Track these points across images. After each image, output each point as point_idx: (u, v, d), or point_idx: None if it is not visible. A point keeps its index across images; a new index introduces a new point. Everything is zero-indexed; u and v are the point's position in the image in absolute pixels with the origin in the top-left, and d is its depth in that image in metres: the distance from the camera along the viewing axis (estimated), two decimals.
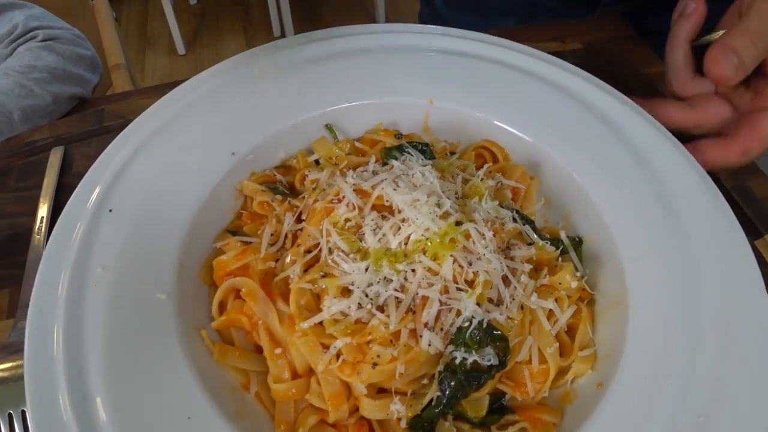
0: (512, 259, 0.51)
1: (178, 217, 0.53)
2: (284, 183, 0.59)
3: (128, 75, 1.30)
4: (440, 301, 0.45)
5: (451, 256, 0.46)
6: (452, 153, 0.62)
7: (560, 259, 0.54)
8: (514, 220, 0.54)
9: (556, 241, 0.56)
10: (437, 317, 0.45)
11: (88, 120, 0.73)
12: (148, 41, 3.03)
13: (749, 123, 0.58)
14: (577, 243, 0.57)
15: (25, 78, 0.86)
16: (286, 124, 0.62)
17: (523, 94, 0.64)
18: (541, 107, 0.63)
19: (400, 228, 0.48)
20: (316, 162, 0.61)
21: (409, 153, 0.56)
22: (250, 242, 0.53)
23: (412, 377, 0.45)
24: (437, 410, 0.44)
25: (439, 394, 0.43)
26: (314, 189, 0.54)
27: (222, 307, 0.51)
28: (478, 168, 0.61)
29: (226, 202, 0.58)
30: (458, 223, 0.48)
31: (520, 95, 0.64)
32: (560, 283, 0.51)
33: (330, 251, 0.48)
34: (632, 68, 0.81)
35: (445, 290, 0.46)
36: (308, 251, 0.50)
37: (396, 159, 0.55)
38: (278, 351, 0.47)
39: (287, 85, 0.64)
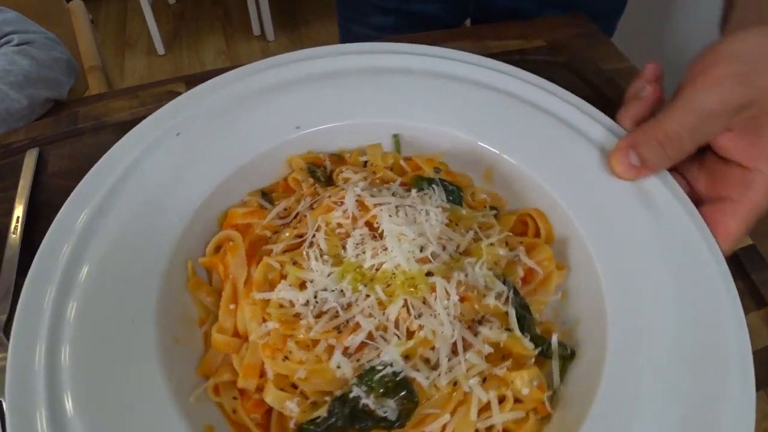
0: (476, 334, 0.48)
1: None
2: (327, 171, 0.62)
3: (104, 77, 1.27)
4: (370, 334, 0.45)
5: (405, 299, 0.46)
6: (492, 208, 0.60)
7: (534, 360, 0.50)
8: (507, 300, 0.51)
9: (544, 343, 0.51)
10: (360, 347, 0.45)
11: (62, 122, 0.73)
12: (127, 42, 2.95)
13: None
14: (568, 355, 0.51)
15: (0, 82, 0.86)
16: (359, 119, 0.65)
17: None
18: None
19: (378, 253, 0.49)
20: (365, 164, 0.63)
21: (433, 189, 0.55)
22: (267, 207, 0.57)
23: (316, 388, 0.46)
24: (332, 424, 0.44)
25: (325, 415, 0.44)
26: (338, 185, 0.57)
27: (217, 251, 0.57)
28: (518, 234, 0.59)
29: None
30: (430, 274, 0.47)
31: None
32: (512, 382, 0.47)
33: (311, 245, 0.51)
34: (593, 64, 0.83)
35: (383, 328, 0.46)
36: (300, 236, 0.53)
37: (421, 189, 0.55)
38: (232, 306, 0.51)
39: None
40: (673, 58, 0.91)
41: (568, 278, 0.58)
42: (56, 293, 0.49)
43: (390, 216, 0.50)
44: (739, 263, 0.59)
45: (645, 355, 0.48)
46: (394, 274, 0.47)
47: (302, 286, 0.49)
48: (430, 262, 0.48)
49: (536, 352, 0.50)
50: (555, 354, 0.51)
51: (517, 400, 0.48)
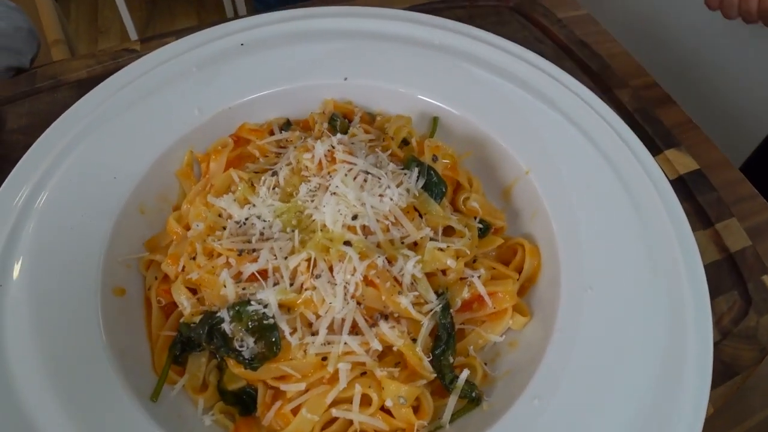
0: (373, 326, 0.45)
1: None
2: (347, 124, 0.62)
3: (68, 50, 1.21)
4: (265, 272, 0.45)
5: (311, 255, 0.44)
6: (483, 222, 0.54)
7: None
8: (430, 312, 0.46)
9: (451, 374, 0.46)
10: (252, 279, 0.45)
11: (20, 82, 0.71)
12: (100, 30, 2.71)
13: None
14: (472, 398, 0.45)
15: None
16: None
17: None
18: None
19: (319, 207, 0.48)
20: None
21: (414, 171, 0.51)
22: (278, 136, 0.59)
23: (210, 300, 0.47)
24: (197, 333, 0.45)
25: (196, 323, 0.45)
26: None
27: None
28: (505, 262, 0.53)
29: None
30: (349, 244, 0.45)
31: None
32: (383, 389, 0.43)
33: (273, 173, 0.52)
34: (542, 7, 0.81)
35: (280, 275, 0.45)
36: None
37: (408, 169, 0.52)
38: (197, 200, 0.54)
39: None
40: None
41: (527, 330, 0.50)
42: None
43: (345, 175, 0.48)
44: (685, 186, 0.61)
45: None
46: (322, 230, 0.46)
47: (246, 204, 0.50)
48: (356, 234, 0.45)
49: (432, 375, 0.45)
50: (456, 390, 0.45)
51: (391, 414, 0.44)
